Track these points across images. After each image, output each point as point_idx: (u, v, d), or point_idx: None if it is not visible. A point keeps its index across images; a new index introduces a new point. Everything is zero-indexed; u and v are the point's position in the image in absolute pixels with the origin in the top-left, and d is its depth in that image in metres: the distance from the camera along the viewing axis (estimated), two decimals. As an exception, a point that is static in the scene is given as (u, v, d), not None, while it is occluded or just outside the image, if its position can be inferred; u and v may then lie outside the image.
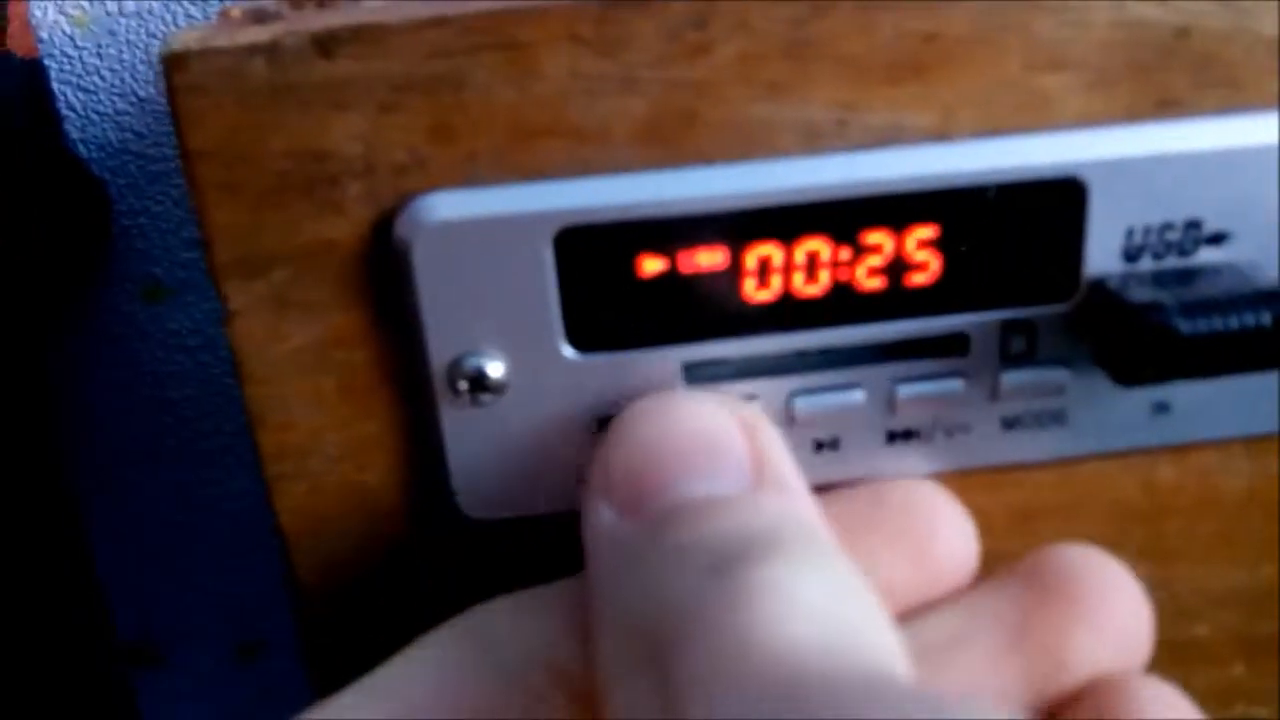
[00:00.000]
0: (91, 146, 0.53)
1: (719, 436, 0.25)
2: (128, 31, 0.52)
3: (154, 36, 0.51)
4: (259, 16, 0.26)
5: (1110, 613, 0.27)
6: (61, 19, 0.52)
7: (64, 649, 0.54)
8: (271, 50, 0.25)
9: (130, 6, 0.51)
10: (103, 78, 0.52)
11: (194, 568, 0.59)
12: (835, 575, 0.22)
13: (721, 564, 0.21)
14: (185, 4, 0.52)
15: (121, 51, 0.52)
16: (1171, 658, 0.32)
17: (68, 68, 0.52)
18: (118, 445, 0.57)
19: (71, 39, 0.52)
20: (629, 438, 0.25)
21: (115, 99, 0.52)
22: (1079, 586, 0.27)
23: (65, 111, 0.53)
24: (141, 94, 0.52)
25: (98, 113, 0.52)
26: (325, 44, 0.25)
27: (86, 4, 0.51)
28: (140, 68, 0.51)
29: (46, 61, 0.52)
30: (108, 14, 0.52)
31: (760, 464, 0.25)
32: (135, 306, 0.55)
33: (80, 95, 0.52)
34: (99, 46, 0.52)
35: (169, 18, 0.52)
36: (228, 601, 0.60)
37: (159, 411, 0.57)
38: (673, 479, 0.24)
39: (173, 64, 0.25)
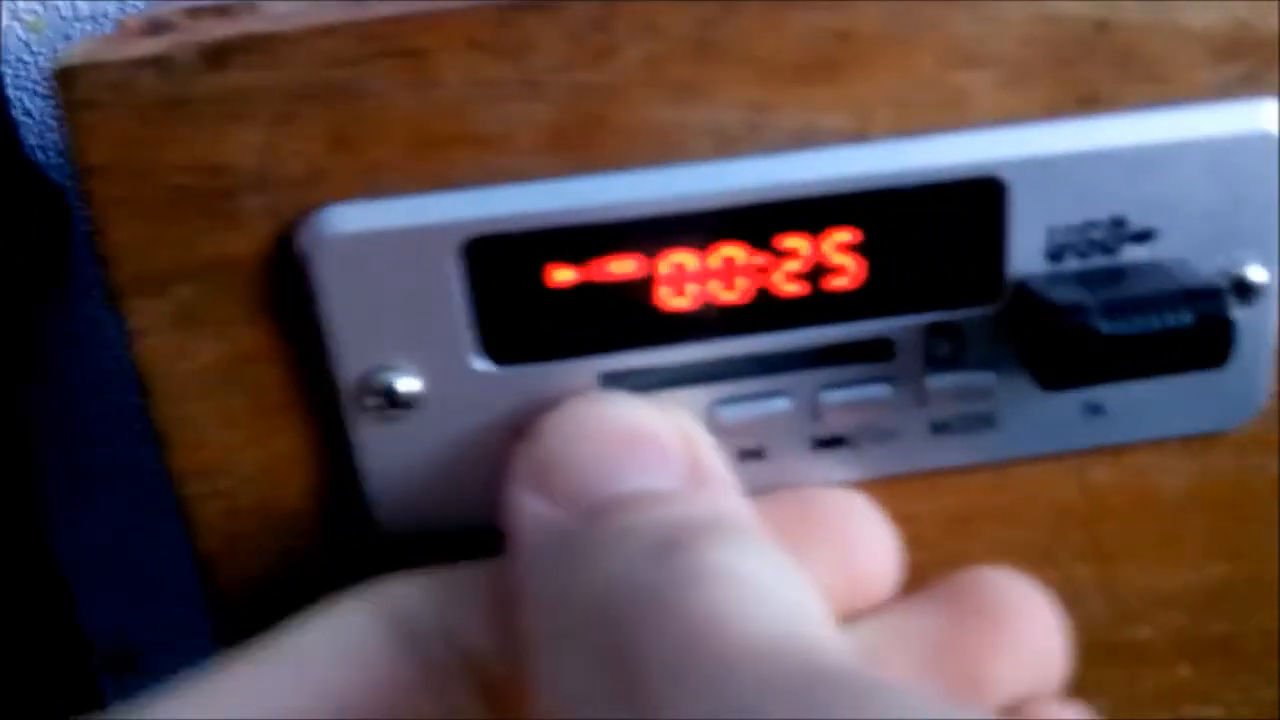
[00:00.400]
0: (49, 152, 0.52)
1: (655, 435, 0.25)
2: (83, 36, 0.51)
3: (111, 40, 0.50)
4: (154, 27, 0.26)
5: (1027, 636, 0.27)
6: (16, 24, 0.51)
7: (38, 654, 0.54)
8: (162, 62, 0.25)
9: (85, 9, 0.51)
10: (59, 83, 0.51)
11: (168, 572, 0.59)
12: (777, 562, 0.22)
13: (667, 546, 0.21)
14: (140, 7, 0.51)
15: (78, 56, 0.51)
16: (1115, 660, 0.31)
17: (23, 73, 0.52)
18: (86, 450, 0.57)
19: (26, 44, 0.51)
20: (562, 432, 0.25)
21: (73, 105, 0.52)
22: (996, 609, 0.27)
23: (21, 118, 0.52)
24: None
25: (55, 118, 0.52)
26: (216, 55, 0.25)
27: (40, 8, 0.51)
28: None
29: (1, 68, 0.51)
30: (62, 19, 0.51)
31: (696, 464, 0.25)
32: (99, 311, 0.55)
33: (36, 101, 0.52)
34: (55, 52, 0.51)
35: (126, 21, 0.51)
36: (201, 609, 0.59)
37: (127, 416, 0.56)
38: (609, 473, 0.24)
39: (64, 78, 0.25)
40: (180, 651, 0.61)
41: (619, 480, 0.24)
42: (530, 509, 0.24)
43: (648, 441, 0.25)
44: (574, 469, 0.24)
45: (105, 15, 0.51)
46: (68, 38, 0.50)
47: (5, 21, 0.50)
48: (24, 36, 0.51)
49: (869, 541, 0.28)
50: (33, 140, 0.51)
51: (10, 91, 0.51)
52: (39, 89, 0.51)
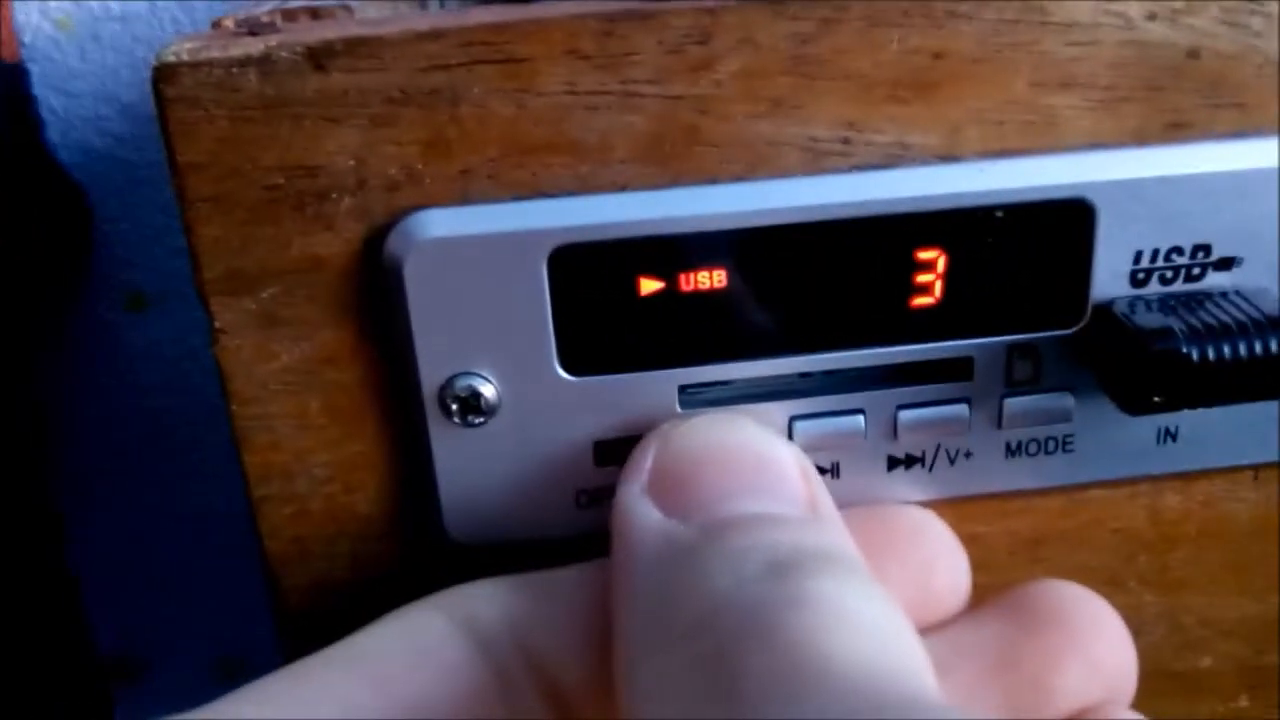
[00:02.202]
0: (73, 152, 0.52)
1: (779, 464, 0.25)
2: (112, 36, 0.51)
3: (139, 40, 0.50)
4: (252, 28, 0.26)
5: (1097, 647, 0.27)
6: (45, 23, 0.51)
7: (45, 661, 0.54)
8: (265, 62, 0.25)
9: (115, 10, 0.51)
10: (86, 82, 0.51)
11: (175, 582, 0.59)
12: (885, 600, 0.22)
13: (780, 569, 0.22)
14: (171, 7, 0.51)
15: (105, 56, 0.51)
16: (1176, 689, 0.31)
17: (50, 72, 0.51)
18: (99, 457, 0.57)
19: (55, 43, 0.51)
20: (689, 445, 0.26)
21: (98, 104, 0.52)
22: (1067, 620, 0.27)
23: (47, 116, 0.52)
24: (125, 99, 0.51)
25: (80, 118, 0.52)
26: (319, 56, 0.25)
27: (71, 7, 0.51)
28: (124, 72, 0.51)
29: (29, 65, 0.51)
30: (93, 18, 0.51)
31: (814, 500, 0.25)
32: (116, 315, 0.55)
33: (63, 100, 0.51)
34: (82, 51, 0.51)
35: (154, 22, 0.51)
36: (208, 616, 0.59)
37: (140, 423, 0.56)
38: (732, 492, 0.24)
39: (163, 75, 0.25)
40: (185, 663, 0.60)
41: (740, 501, 0.24)
42: (644, 515, 0.24)
43: (772, 468, 0.25)
44: (697, 483, 0.24)
45: (135, 15, 0.50)
46: (96, 37, 0.50)
47: (35, 20, 0.50)
48: (53, 34, 0.51)
49: (942, 562, 0.28)
50: (56, 139, 0.51)
51: (37, 89, 0.51)
52: (66, 88, 0.51)
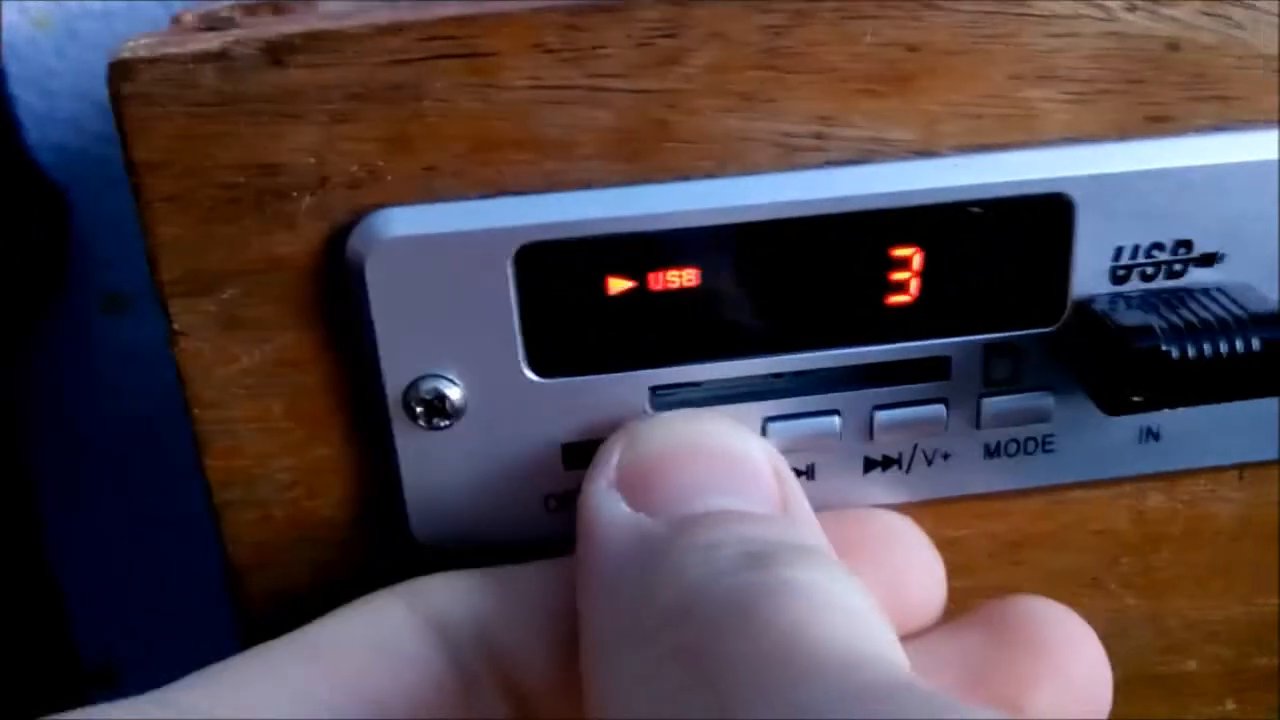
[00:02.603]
0: (52, 152, 0.51)
1: (750, 461, 0.25)
2: (91, 33, 0.50)
3: (118, 38, 0.49)
4: (211, 23, 0.25)
5: (1072, 667, 0.26)
6: (22, 19, 0.50)
7: (24, 670, 0.53)
8: (222, 58, 0.24)
9: (95, 8, 0.50)
10: (64, 81, 0.51)
11: (156, 589, 0.58)
12: (862, 590, 0.22)
13: (755, 560, 0.21)
14: (151, 5, 0.50)
15: (84, 54, 0.50)
16: (1160, 693, 0.31)
17: (28, 70, 0.51)
18: (76, 460, 0.56)
19: (33, 41, 0.50)
20: (658, 440, 0.25)
21: (76, 102, 0.51)
22: (1042, 639, 0.27)
23: (24, 116, 0.51)
24: (104, 97, 0.50)
25: (58, 117, 0.51)
26: (277, 52, 0.24)
27: (50, 5, 0.50)
28: (103, 71, 0.50)
29: (6, 64, 0.50)
30: (71, 16, 0.50)
31: (787, 499, 0.25)
32: (94, 317, 0.54)
33: (40, 99, 0.51)
34: (60, 49, 0.50)
35: (134, 19, 0.50)
36: (189, 622, 0.58)
37: (119, 425, 0.55)
38: (703, 488, 0.24)
39: (120, 72, 0.24)
40: (165, 669, 0.60)
41: (711, 497, 0.24)
42: (612, 510, 0.24)
43: (743, 466, 0.25)
44: (667, 479, 0.24)
45: (114, 13, 0.50)
46: (73, 34, 0.50)
47: (11, 17, 0.50)
48: (30, 32, 0.50)
49: (916, 568, 0.28)
50: (34, 138, 0.51)
51: (14, 89, 0.51)
52: (43, 86, 0.50)
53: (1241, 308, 0.26)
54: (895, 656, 0.21)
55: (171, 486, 0.55)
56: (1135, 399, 0.25)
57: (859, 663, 0.19)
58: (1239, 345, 0.25)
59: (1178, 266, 0.27)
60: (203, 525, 0.55)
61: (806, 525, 0.24)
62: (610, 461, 0.25)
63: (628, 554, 0.23)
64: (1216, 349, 0.25)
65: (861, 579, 0.26)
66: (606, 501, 0.24)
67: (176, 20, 0.26)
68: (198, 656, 0.60)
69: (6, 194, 0.49)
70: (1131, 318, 0.26)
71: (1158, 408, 0.26)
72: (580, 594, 0.24)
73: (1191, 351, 0.25)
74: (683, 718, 0.20)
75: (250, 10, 0.26)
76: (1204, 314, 0.25)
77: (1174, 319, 0.25)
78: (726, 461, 0.25)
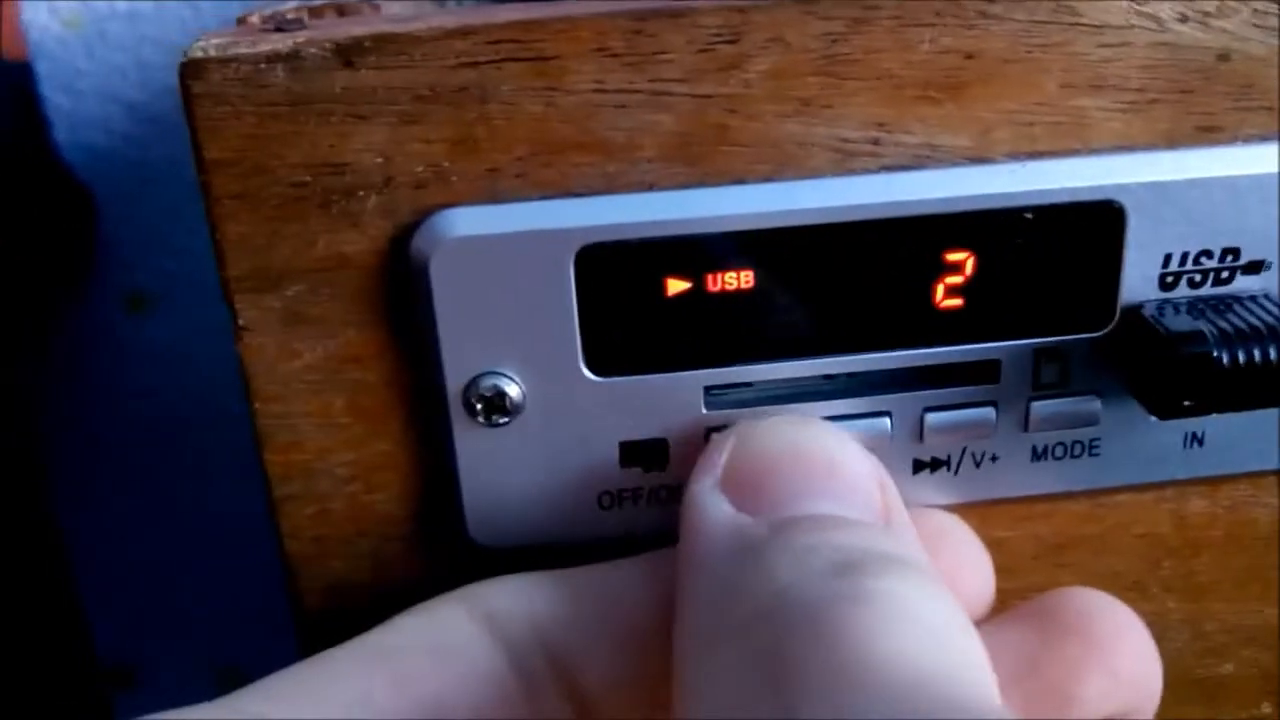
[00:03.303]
0: (79, 152, 0.52)
1: (855, 470, 0.25)
2: (119, 35, 0.51)
3: (146, 40, 0.50)
4: (279, 24, 0.25)
5: (1120, 657, 0.27)
6: (53, 21, 0.51)
7: (43, 666, 0.53)
8: (293, 59, 0.24)
9: (122, 9, 0.50)
10: (92, 81, 0.51)
11: (174, 589, 0.58)
12: (952, 606, 0.22)
13: (847, 568, 0.21)
14: (179, 7, 0.51)
15: (112, 55, 0.51)
16: (1198, 695, 0.31)
17: (57, 71, 0.51)
18: (98, 461, 0.56)
19: (62, 42, 0.51)
20: (765, 442, 0.25)
21: (105, 103, 0.51)
22: (1090, 628, 0.27)
23: (53, 116, 0.52)
24: (131, 98, 0.51)
25: (86, 117, 0.51)
26: (348, 53, 0.24)
27: (79, 6, 0.50)
28: (131, 72, 0.50)
29: (36, 64, 0.51)
30: (99, 17, 0.51)
31: (889, 509, 0.25)
32: (117, 317, 0.54)
33: (68, 99, 0.51)
34: (90, 49, 0.51)
35: (161, 21, 0.51)
36: (208, 622, 0.59)
37: (141, 425, 0.56)
38: (805, 492, 0.24)
39: (191, 71, 0.24)
40: (184, 669, 0.60)
41: (814, 501, 0.24)
42: (715, 509, 0.24)
43: (848, 474, 0.25)
44: (772, 481, 0.24)
45: (142, 14, 0.50)
46: (102, 35, 0.50)
47: (42, 18, 0.50)
48: (60, 33, 0.50)
49: (967, 566, 0.28)
50: (62, 138, 0.51)
51: (43, 89, 0.51)
52: (72, 86, 0.50)
53: None
54: (973, 675, 0.21)
55: (191, 486, 0.56)
56: (1185, 404, 0.25)
57: (925, 680, 0.19)
58: None
59: (1225, 274, 0.27)
60: (225, 523, 0.56)
61: (905, 536, 0.24)
62: (717, 460, 0.25)
63: (725, 552, 0.23)
64: (1265, 355, 0.25)
65: None
66: (710, 500, 0.24)
67: (242, 21, 0.27)
68: (215, 655, 0.61)
69: (34, 193, 0.50)
70: (1181, 323, 0.26)
71: (1207, 412, 0.26)
72: (678, 589, 0.24)
73: (1241, 357, 0.25)
74: (749, 718, 0.20)
75: (316, 12, 0.27)
76: (1252, 320, 0.26)
77: (1223, 325, 0.26)
78: (831, 468, 0.25)
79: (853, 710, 0.19)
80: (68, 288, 0.53)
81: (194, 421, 0.55)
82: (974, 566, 0.28)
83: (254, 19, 0.26)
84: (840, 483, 0.24)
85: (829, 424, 0.27)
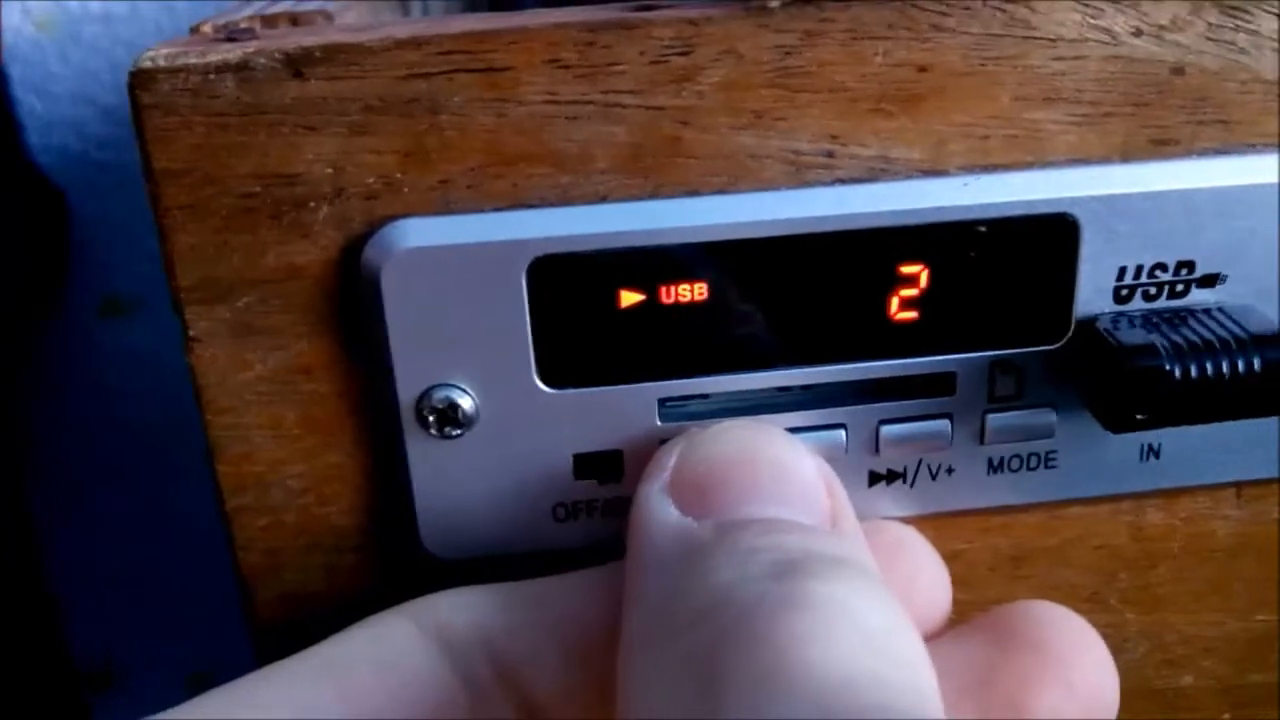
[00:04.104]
0: (53, 155, 0.52)
1: (804, 474, 0.25)
2: (93, 37, 0.50)
3: (119, 42, 0.50)
4: (231, 34, 0.25)
5: (1076, 669, 0.26)
6: (26, 23, 0.50)
7: (19, 670, 0.53)
8: (242, 69, 0.24)
9: (96, 11, 0.50)
10: (66, 84, 0.51)
11: (151, 591, 0.58)
12: (893, 611, 0.22)
13: (786, 570, 0.21)
14: (153, 8, 0.50)
15: (86, 57, 0.51)
16: (1157, 707, 0.31)
17: (30, 73, 0.51)
18: (74, 463, 0.56)
19: (36, 44, 0.51)
20: (714, 447, 0.25)
21: (78, 106, 0.51)
22: (1046, 641, 0.27)
23: (26, 119, 0.51)
24: (105, 101, 0.50)
25: (59, 120, 0.51)
26: (298, 63, 0.24)
27: (52, 8, 0.50)
28: (104, 75, 0.50)
29: (9, 67, 0.51)
30: (73, 19, 0.50)
31: (836, 514, 0.25)
32: (93, 321, 0.54)
33: (41, 102, 0.51)
34: (63, 52, 0.50)
35: (136, 23, 0.51)
36: (185, 626, 0.58)
37: (116, 431, 0.56)
38: (752, 496, 0.24)
39: (140, 81, 0.24)
40: (161, 673, 0.60)
41: (760, 505, 0.24)
42: (662, 512, 0.24)
43: (796, 478, 0.25)
44: (719, 485, 0.24)
45: (117, 16, 0.50)
46: (76, 38, 0.50)
47: (15, 20, 0.50)
48: (33, 35, 0.50)
49: (923, 577, 0.28)
50: (35, 141, 0.51)
51: (16, 91, 0.51)
52: (45, 89, 0.50)
53: (1242, 328, 0.26)
54: (909, 678, 0.21)
55: (169, 489, 0.56)
56: (1138, 417, 0.25)
57: (855, 684, 0.19)
58: (1240, 365, 0.25)
59: (1180, 287, 0.27)
60: (200, 528, 0.56)
61: (850, 540, 0.24)
62: (666, 464, 0.25)
63: (669, 556, 0.23)
64: (1218, 368, 0.25)
65: None
66: (657, 504, 0.24)
67: (195, 30, 0.27)
68: (194, 659, 0.60)
69: (6, 197, 0.49)
70: (1134, 336, 0.26)
71: (1159, 426, 0.26)
72: (625, 593, 0.24)
73: (1193, 371, 0.25)
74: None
75: (269, 21, 0.26)
76: (1205, 334, 0.26)
77: (1176, 338, 0.26)
78: (777, 471, 0.25)
79: (775, 713, 0.19)
80: (42, 292, 0.53)
81: (169, 425, 0.55)
82: (930, 578, 0.28)
83: (207, 28, 0.26)
84: (786, 487, 0.24)
85: (778, 429, 0.26)
